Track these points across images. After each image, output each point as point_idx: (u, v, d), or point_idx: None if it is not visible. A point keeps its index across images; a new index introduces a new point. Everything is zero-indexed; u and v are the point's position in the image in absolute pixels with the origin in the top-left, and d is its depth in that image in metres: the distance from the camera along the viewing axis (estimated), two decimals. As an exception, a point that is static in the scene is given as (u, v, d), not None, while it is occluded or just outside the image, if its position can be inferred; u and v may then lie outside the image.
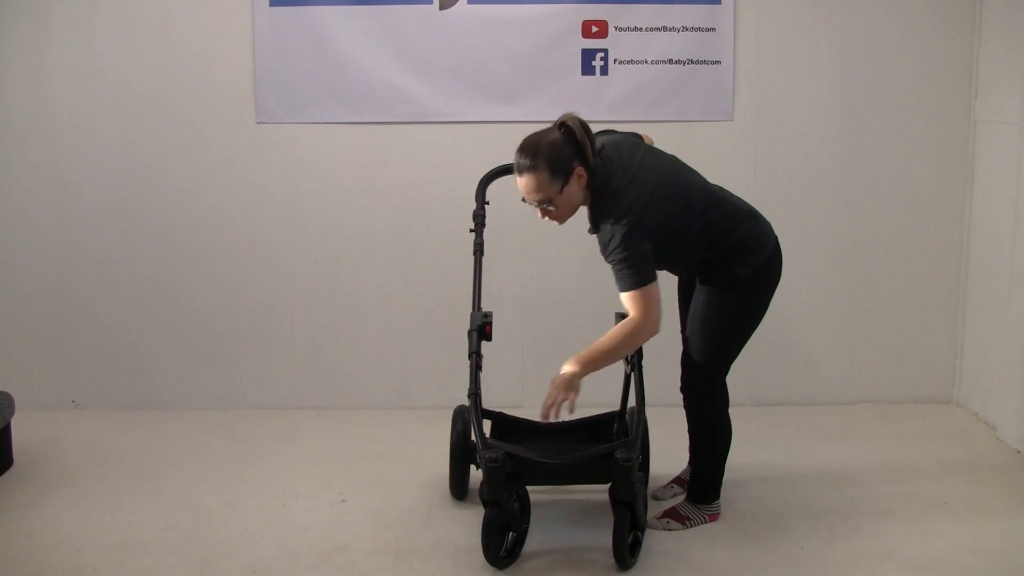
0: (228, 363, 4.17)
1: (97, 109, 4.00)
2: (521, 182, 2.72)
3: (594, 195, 2.76)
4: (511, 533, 2.81)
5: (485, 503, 2.73)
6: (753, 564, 2.82)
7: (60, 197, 4.06)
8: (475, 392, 2.91)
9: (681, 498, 3.15)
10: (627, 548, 2.74)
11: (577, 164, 2.71)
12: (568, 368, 2.74)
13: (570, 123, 2.72)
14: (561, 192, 2.71)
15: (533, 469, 2.82)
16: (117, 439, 3.83)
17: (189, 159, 4.04)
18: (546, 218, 2.80)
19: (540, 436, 3.24)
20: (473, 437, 3.06)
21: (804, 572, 2.78)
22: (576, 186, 2.73)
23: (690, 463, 3.21)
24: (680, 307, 3.14)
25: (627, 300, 2.72)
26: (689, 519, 3.04)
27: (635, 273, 2.69)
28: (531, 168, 2.68)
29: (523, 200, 2.77)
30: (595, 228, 2.79)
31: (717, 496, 3.09)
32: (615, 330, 2.77)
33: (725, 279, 2.87)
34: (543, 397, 2.73)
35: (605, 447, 2.84)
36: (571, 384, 2.72)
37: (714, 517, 3.07)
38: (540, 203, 2.73)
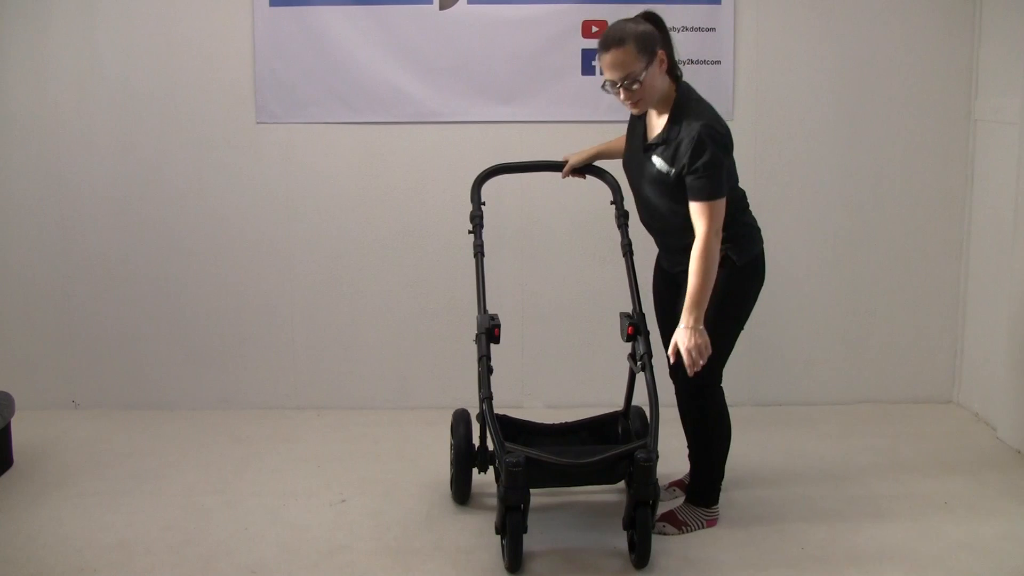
0: (228, 363, 4.17)
1: (97, 109, 4.00)
2: (607, 58, 2.74)
3: (677, 100, 2.83)
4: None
5: (507, 508, 2.72)
6: (753, 564, 2.82)
7: (60, 197, 4.06)
8: (488, 396, 2.89)
9: (681, 501, 3.15)
10: (651, 547, 2.76)
11: (661, 49, 2.76)
12: (686, 325, 2.74)
13: (655, 14, 2.82)
14: (646, 71, 2.74)
15: (550, 472, 2.81)
16: (117, 439, 3.83)
17: (189, 159, 4.04)
18: (627, 102, 2.80)
19: (545, 437, 3.24)
20: (488, 441, 3.06)
21: (804, 572, 2.78)
22: (658, 71, 2.77)
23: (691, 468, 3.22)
24: (659, 320, 3.13)
25: (698, 210, 2.74)
26: (686, 524, 3.02)
27: (712, 183, 2.72)
28: (619, 43, 2.71)
29: (604, 86, 2.80)
30: (671, 133, 2.79)
31: (716, 500, 3.07)
32: (694, 262, 2.74)
33: (720, 264, 2.86)
34: (682, 353, 2.75)
35: (624, 448, 2.84)
36: (700, 334, 2.74)
37: (712, 522, 3.05)
38: (624, 80, 2.74)
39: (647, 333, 2.99)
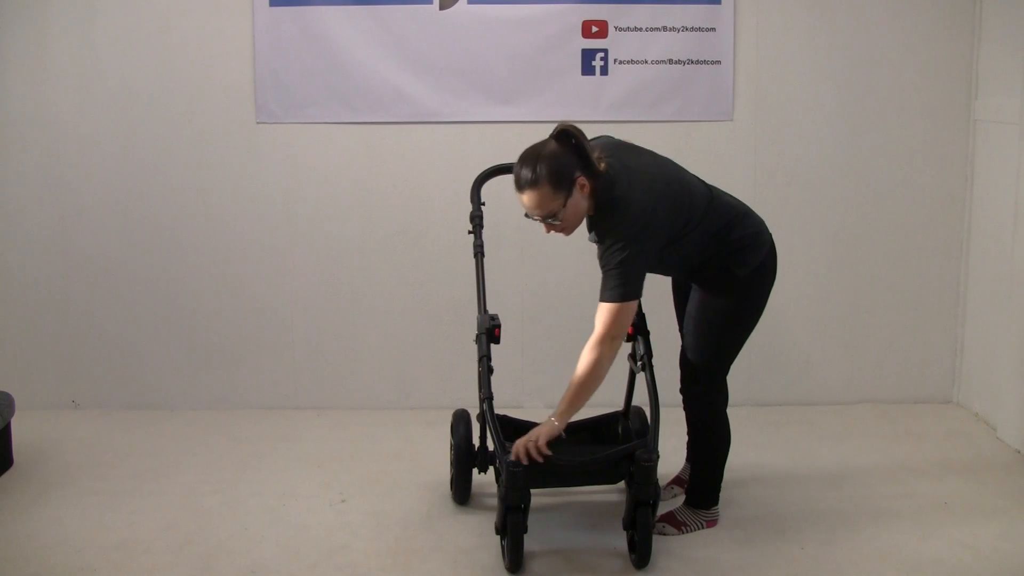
0: (228, 363, 4.16)
1: (97, 109, 4.00)
2: (524, 198, 2.65)
3: (598, 205, 2.70)
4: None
5: (508, 509, 2.72)
6: (753, 564, 2.82)
7: (60, 197, 4.06)
8: (488, 396, 2.89)
9: (681, 500, 3.14)
10: (651, 547, 2.76)
11: (579, 174, 2.64)
12: (551, 417, 2.76)
13: (569, 131, 2.66)
14: (565, 205, 2.64)
15: (550, 472, 2.81)
16: (117, 439, 3.83)
17: (189, 159, 4.04)
18: (552, 232, 2.74)
19: None
20: (488, 441, 3.06)
21: (804, 572, 2.78)
22: (580, 196, 2.66)
23: (688, 460, 3.23)
24: (676, 307, 3.13)
25: (601, 310, 2.69)
26: (686, 524, 3.02)
27: (624, 285, 2.66)
28: (532, 183, 2.61)
29: (526, 216, 2.71)
30: (599, 238, 2.73)
31: (716, 501, 3.06)
32: (581, 365, 2.72)
33: (723, 279, 2.85)
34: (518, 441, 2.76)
35: (624, 448, 2.84)
36: (549, 434, 2.73)
37: (712, 523, 3.04)
38: (544, 218, 2.67)
39: (647, 333, 2.99)
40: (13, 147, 4.03)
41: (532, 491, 2.76)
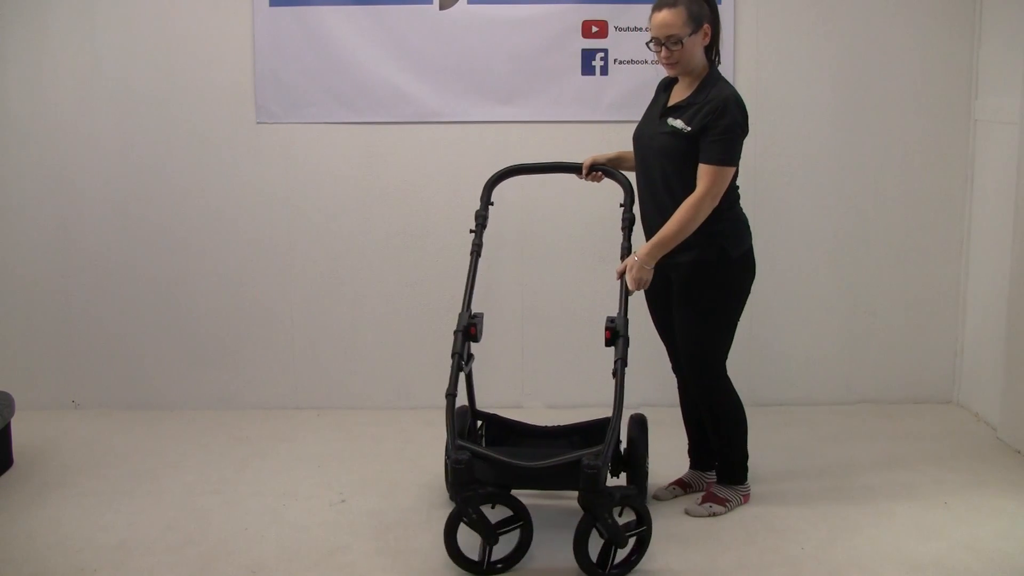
0: (228, 363, 4.17)
1: (97, 109, 4.00)
2: (658, 16, 2.87)
3: (700, 85, 2.93)
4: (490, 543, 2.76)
5: (457, 505, 2.72)
6: (753, 564, 2.82)
7: (60, 197, 4.06)
8: (452, 393, 2.88)
9: (681, 500, 3.19)
10: (588, 557, 2.69)
11: (708, 25, 2.91)
12: (640, 256, 2.90)
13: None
14: (689, 37, 2.86)
15: (505, 473, 2.76)
16: (117, 439, 3.83)
17: (189, 159, 4.04)
18: (666, 61, 2.92)
19: (534, 439, 3.23)
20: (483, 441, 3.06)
21: (804, 572, 2.78)
22: (700, 41, 2.90)
23: (692, 465, 3.29)
24: (652, 315, 3.18)
25: (704, 171, 2.83)
26: (728, 500, 3.12)
27: (728, 149, 2.84)
28: (672, 4, 2.87)
29: (648, 43, 2.91)
30: (696, 98, 2.89)
31: (745, 477, 3.16)
32: (678, 212, 2.86)
33: (715, 256, 2.91)
34: (627, 278, 2.92)
35: (575, 454, 2.70)
36: (644, 267, 2.90)
37: (746, 497, 3.16)
38: (668, 39, 2.86)
39: (626, 339, 2.85)
40: (13, 147, 4.03)
41: (530, 491, 2.75)
